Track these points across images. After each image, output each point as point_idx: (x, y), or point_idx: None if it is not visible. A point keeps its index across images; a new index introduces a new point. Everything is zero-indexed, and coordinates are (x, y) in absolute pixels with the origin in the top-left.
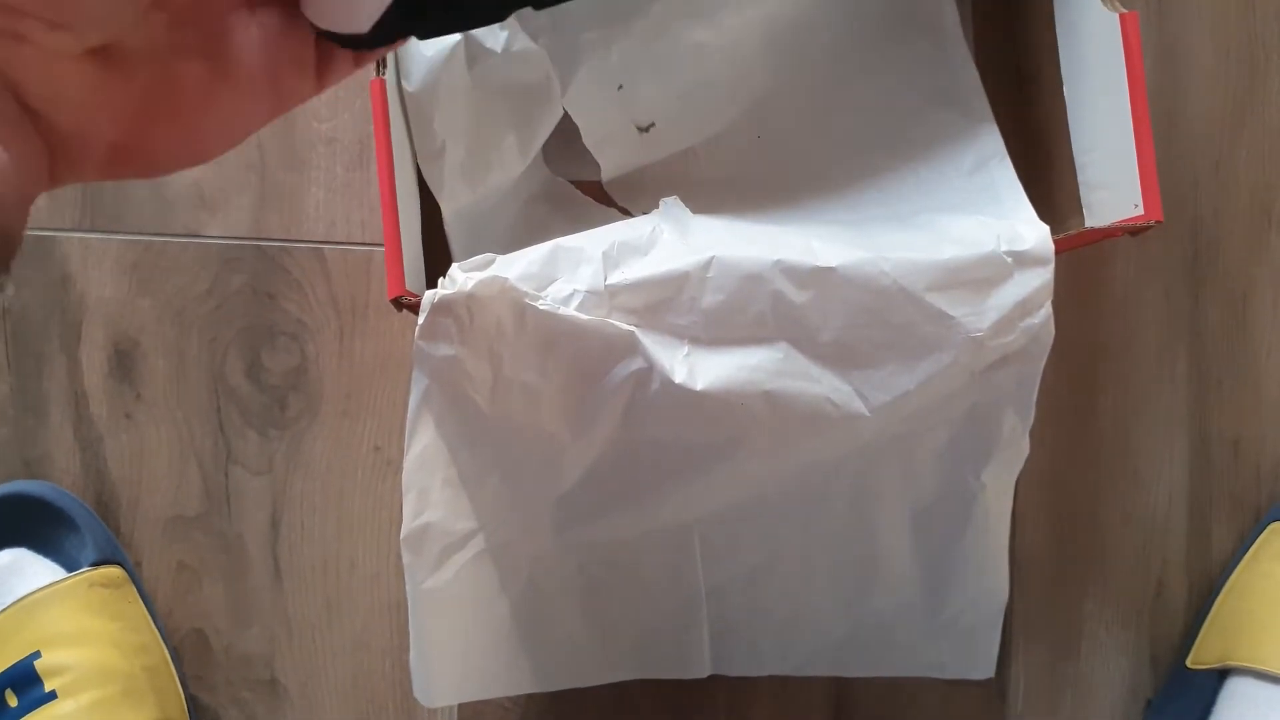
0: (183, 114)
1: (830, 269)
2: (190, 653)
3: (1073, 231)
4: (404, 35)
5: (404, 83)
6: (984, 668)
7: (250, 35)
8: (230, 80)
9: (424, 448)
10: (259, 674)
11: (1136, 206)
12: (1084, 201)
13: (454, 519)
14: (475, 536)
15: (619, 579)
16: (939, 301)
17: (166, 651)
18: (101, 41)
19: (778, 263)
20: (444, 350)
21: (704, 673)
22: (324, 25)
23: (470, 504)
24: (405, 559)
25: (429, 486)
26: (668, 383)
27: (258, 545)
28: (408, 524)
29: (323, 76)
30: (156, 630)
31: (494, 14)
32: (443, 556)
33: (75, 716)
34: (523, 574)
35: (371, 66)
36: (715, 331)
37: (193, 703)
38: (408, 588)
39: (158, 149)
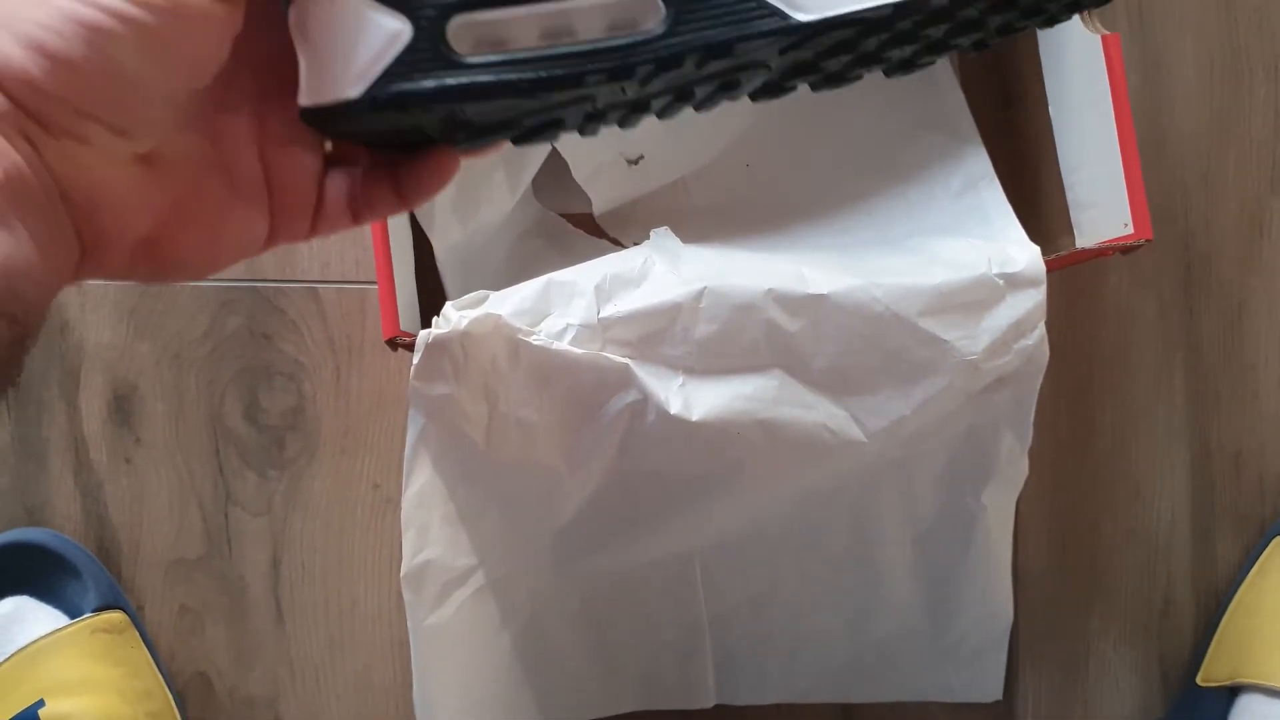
0: (202, 222)
1: (822, 296)
2: (194, 696)
3: (1063, 252)
4: (400, 107)
5: None
6: (991, 690)
7: (255, 165)
8: (241, 200)
9: (422, 486)
10: (263, 716)
11: (1126, 226)
12: (1073, 221)
13: (454, 555)
14: (475, 572)
15: (621, 611)
16: (932, 326)
17: (170, 696)
18: (149, 149)
19: (769, 291)
20: (440, 389)
21: (709, 702)
22: (316, 100)
23: (470, 540)
24: (406, 597)
25: (428, 524)
26: (663, 414)
27: (259, 586)
28: (408, 561)
29: (316, 224)
30: (160, 675)
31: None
32: (444, 593)
33: None
34: (524, 608)
35: None
36: (709, 361)
37: None
38: (409, 625)
39: (177, 253)
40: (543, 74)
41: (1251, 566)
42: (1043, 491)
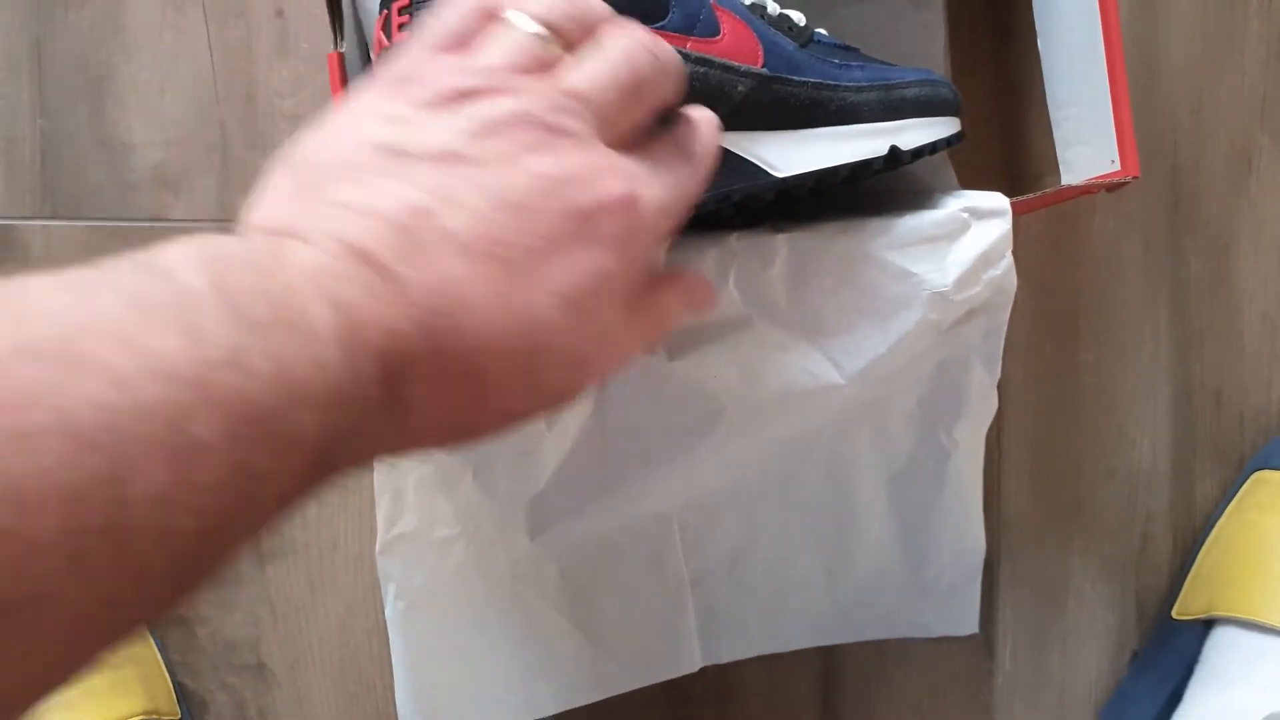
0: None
1: (791, 237)
2: (175, 640)
3: (1049, 190)
4: None
5: (373, 54)
6: (967, 624)
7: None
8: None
9: None
10: (245, 658)
11: (1113, 163)
12: (1060, 158)
13: (430, 526)
14: (454, 545)
15: (603, 582)
16: (901, 260)
17: (151, 639)
18: None
19: (738, 235)
20: None
21: (695, 666)
22: None
23: (446, 508)
24: (381, 574)
25: (403, 488)
26: (639, 358)
27: None
28: (383, 534)
29: None
30: None
31: None
32: (422, 570)
33: (60, 709)
34: (505, 585)
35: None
36: None
37: (180, 689)
38: (386, 609)
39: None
40: None
41: (1229, 502)
42: (1025, 429)
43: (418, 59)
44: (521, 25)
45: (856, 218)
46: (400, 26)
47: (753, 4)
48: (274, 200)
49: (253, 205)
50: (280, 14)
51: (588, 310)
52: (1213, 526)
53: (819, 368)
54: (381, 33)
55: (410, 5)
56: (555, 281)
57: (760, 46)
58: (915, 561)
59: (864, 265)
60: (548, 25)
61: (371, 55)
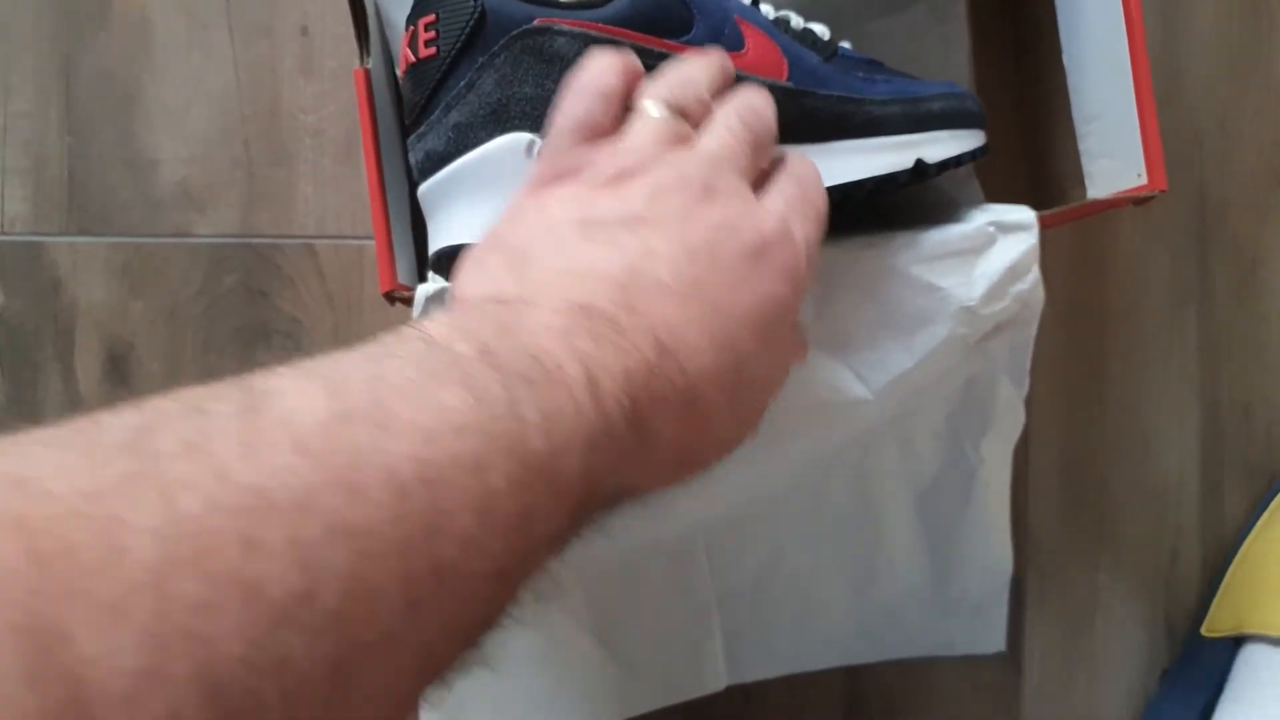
0: None
1: None
2: None
3: (1076, 204)
4: None
5: (397, 68)
6: (994, 642)
7: None
8: None
9: None
10: None
11: (1140, 176)
12: (1085, 171)
13: None
14: None
15: (628, 601)
16: (927, 274)
17: None
18: None
19: None
20: None
21: (720, 685)
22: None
23: None
24: None
25: None
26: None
27: None
28: None
29: None
30: None
31: None
32: None
33: None
34: (529, 608)
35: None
36: None
37: None
38: None
39: None
40: None
41: (1258, 518)
42: (1052, 444)
43: (575, 152)
44: (655, 112)
45: (882, 232)
46: (426, 42)
47: (777, 18)
48: (491, 276)
49: (465, 283)
50: (305, 32)
51: (771, 334)
52: (1242, 543)
53: (845, 383)
54: (408, 48)
55: (436, 21)
56: (747, 311)
57: (785, 60)
58: (941, 579)
59: (890, 279)
60: (674, 107)
61: (397, 71)
